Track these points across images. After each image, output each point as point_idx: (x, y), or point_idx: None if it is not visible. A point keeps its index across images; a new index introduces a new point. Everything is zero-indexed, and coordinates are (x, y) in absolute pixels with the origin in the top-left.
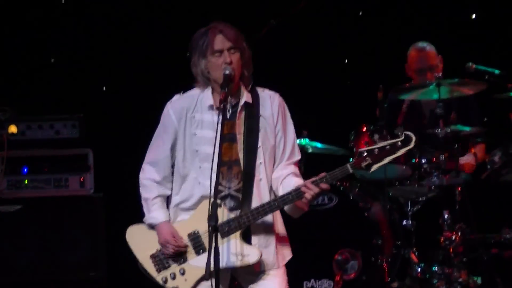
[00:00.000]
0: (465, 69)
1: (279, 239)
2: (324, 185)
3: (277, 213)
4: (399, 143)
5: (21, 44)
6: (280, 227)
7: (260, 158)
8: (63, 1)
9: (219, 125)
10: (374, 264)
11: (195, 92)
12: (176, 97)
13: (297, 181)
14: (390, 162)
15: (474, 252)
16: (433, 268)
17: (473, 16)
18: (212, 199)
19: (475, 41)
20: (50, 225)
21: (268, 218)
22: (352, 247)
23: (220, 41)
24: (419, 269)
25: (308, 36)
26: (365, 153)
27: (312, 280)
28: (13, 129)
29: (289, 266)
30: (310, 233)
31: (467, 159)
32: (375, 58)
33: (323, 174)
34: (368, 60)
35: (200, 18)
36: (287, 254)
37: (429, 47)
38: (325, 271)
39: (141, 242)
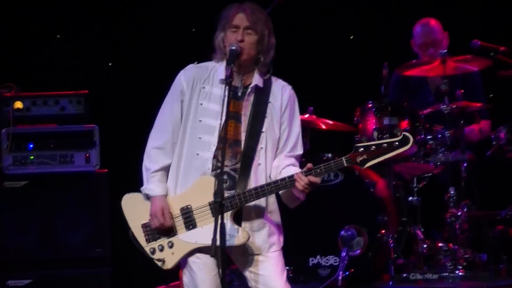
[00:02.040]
0: (470, 46)
1: (272, 225)
2: (313, 178)
3: (274, 202)
4: (397, 143)
5: (26, 21)
6: (275, 215)
7: (262, 143)
8: None
9: (225, 100)
10: (380, 241)
11: (209, 64)
12: (190, 66)
13: (296, 171)
14: (393, 137)
15: (480, 229)
16: (439, 245)
17: None
18: (219, 175)
19: (481, 18)
20: (55, 202)
21: (261, 202)
22: (357, 224)
23: (239, 18)
24: (424, 246)
25: (314, 13)
26: (361, 149)
27: (318, 256)
28: (18, 105)
29: (294, 242)
30: (316, 209)
31: (472, 127)
32: (380, 35)
33: (317, 166)
34: (374, 37)
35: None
36: (279, 241)
37: (434, 22)
38: (330, 247)
39: (135, 211)
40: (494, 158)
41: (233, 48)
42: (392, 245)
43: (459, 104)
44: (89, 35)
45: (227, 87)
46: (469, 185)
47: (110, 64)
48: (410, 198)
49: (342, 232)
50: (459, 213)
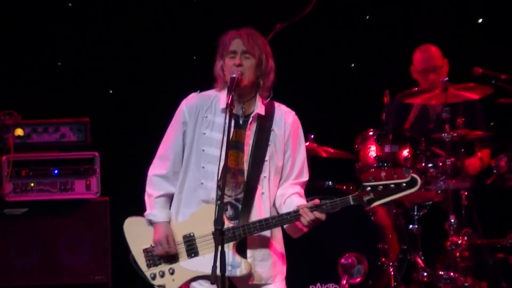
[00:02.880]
0: (471, 74)
1: (276, 255)
2: (318, 215)
3: (278, 231)
4: (404, 184)
5: (27, 47)
6: (279, 245)
7: (265, 172)
8: (70, 4)
9: (225, 129)
10: (380, 269)
11: (211, 92)
12: (192, 95)
13: (300, 201)
14: (394, 165)
15: (480, 257)
16: (439, 273)
17: (480, 20)
18: (219, 203)
19: (482, 46)
20: (55, 229)
21: (266, 233)
22: (358, 251)
23: (236, 43)
24: (425, 274)
25: (315, 40)
26: (368, 188)
27: (318, 284)
28: (19, 132)
29: (295, 269)
30: (316, 236)
31: (471, 160)
32: (381, 62)
33: (323, 202)
34: (374, 64)
35: (207, 25)
36: (282, 271)
37: (434, 48)
38: (331, 275)
39: (137, 235)
40: (495, 186)
41: (234, 76)
42: (392, 273)
43: (460, 132)
44: (90, 62)
45: (227, 116)
46: (469, 213)
47: (111, 91)
48: (411, 226)
49: (343, 260)
50: (459, 241)
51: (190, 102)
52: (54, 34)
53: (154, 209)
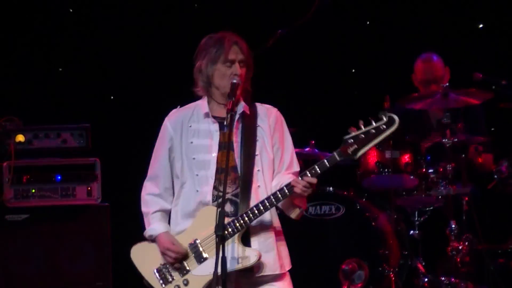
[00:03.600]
0: (472, 79)
1: (280, 246)
2: (309, 179)
3: (277, 224)
4: (384, 126)
5: (28, 54)
6: (280, 235)
7: (258, 166)
8: (71, 10)
9: (227, 133)
10: (381, 274)
11: (192, 104)
12: (173, 111)
13: (292, 178)
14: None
15: (481, 263)
16: (440, 279)
17: (480, 26)
18: (219, 208)
19: (482, 51)
20: (56, 235)
21: (267, 223)
22: (359, 257)
23: (234, 52)
24: (426, 279)
25: (316, 46)
26: (351, 140)
27: None
28: (20, 138)
29: (296, 275)
30: (317, 242)
31: (487, 156)
32: (382, 67)
33: (311, 167)
34: (375, 69)
35: (207, 30)
36: (287, 263)
37: (435, 58)
38: (331, 280)
39: (145, 259)
40: (496, 191)
41: (235, 81)
42: (393, 278)
43: (460, 137)
44: (91, 68)
45: (228, 120)
46: (470, 218)
47: (112, 97)
48: (412, 231)
49: (343, 266)
50: (460, 247)
51: (173, 117)
52: (55, 40)
53: (152, 224)
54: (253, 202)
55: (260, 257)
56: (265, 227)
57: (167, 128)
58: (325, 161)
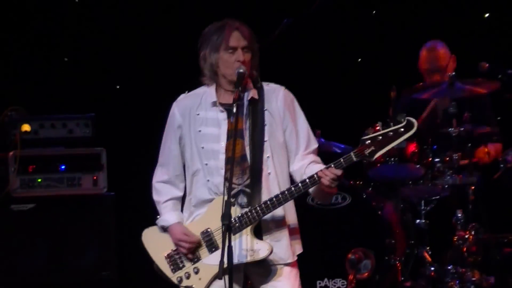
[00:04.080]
0: (478, 68)
1: (291, 232)
2: (335, 170)
3: (290, 206)
4: (402, 129)
5: (34, 43)
6: (292, 220)
7: (267, 152)
8: (76, 0)
9: (233, 123)
10: (387, 264)
11: (199, 90)
12: (181, 96)
13: (319, 167)
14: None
15: (487, 252)
16: (446, 268)
17: (486, 15)
18: (225, 198)
19: (488, 40)
20: (62, 224)
21: (279, 212)
22: (365, 247)
23: (235, 38)
24: (432, 269)
25: (321, 36)
26: (368, 141)
27: (326, 279)
28: (26, 128)
29: (302, 265)
30: (323, 232)
31: (478, 152)
32: (388, 57)
33: (328, 164)
34: (381, 59)
35: (211, 19)
36: (298, 248)
37: (440, 47)
38: (338, 270)
39: (156, 244)
40: (502, 181)
41: (242, 71)
42: (399, 268)
43: (467, 127)
44: (97, 57)
45: (235, 109)
46: (476, 207)
47: (117, 87)
48: (418, 221)
49: (350, 255)
50: (466, 236)
51: (181, 104)
52: (61, 30)
53: (164, 214)
54: (264, 190)
55: (271, 251)
56: (277, 217)
57: (175, 114)
58: (342, 160)
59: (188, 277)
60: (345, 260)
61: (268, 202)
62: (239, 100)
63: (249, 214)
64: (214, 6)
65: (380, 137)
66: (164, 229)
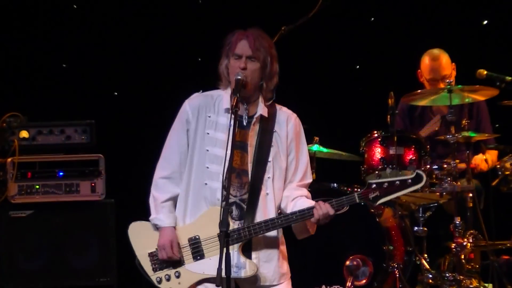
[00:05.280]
0: (477, 75)
1: (281, 256)
2: (331, 209)
3: (281, 231)
4: (409, 181)
5: (32, 49)
6: (283, 245)
7: (269, 173)
8: (74, 6)
9: (230, 130)
10: (385, 271)
11: (214, 93)
12: (195, 95)
13: (309, 203)
14: (399, 167)
15: (485, 259)
16: (445, 275)
17: (485, 22)
18: (223, 204)
19: (487, 47)
20: (61, 231)
21: (272, 233)
22: (363, 253)
23: (241, 46)
24: (430, 276)
25: (320, 42)
26: (374, 185)
27: (323, 286)
28: (24, 134)
29: (299, 271)
30: (321, 238)
31: (475, 159)
32: (386, 64)
33: (329, 200)
34: (379, 66)
35: (213, 26)
36: (288, 272)
37: (443, 56)
38: (336, 277)
39: (142, 239)
40: (500, 188)
41: (239, 77)
42: (397, 275)
43: (465, 134)
44: (95, 64)
45: (232, 116)
46: (475, 214)
47: (116, 93)
48: (416, 227)
49: (348, 262)
50: (464, 243)
51: (193, 102)
52: (59, 36)
53: (160, 213)
54: (260, 209)
55: (255, 272)
56: (269, 238)
57: (186, 111)
58: (344, 199)
59: (168, 279)
60: (343, 267)
61: (263, 224)
62: (236, 107)
63: (241, 232)
64: (211, 13)
65: (386, 185)
66: (156, 227)
